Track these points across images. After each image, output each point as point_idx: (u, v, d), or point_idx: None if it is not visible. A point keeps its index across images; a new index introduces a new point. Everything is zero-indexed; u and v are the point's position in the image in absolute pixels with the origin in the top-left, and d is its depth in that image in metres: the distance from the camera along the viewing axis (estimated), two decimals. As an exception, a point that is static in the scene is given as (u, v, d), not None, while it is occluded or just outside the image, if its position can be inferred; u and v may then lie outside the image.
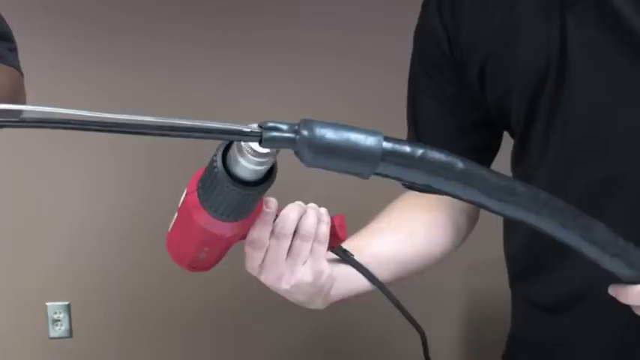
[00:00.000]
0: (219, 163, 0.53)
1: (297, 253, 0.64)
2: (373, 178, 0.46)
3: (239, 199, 0.55)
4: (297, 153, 0.46)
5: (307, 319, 1.75)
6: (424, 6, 0.81)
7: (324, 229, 0.65)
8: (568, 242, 0.53)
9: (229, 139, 0.51)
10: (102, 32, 1.62)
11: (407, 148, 0.47)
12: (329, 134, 0.45)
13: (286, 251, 0.64)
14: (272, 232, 0.63)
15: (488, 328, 1.57)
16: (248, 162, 0.51)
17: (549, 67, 0.70)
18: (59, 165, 1.67)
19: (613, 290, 0.58)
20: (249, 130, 0.45)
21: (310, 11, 1.65)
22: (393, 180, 0.81)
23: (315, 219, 0.64)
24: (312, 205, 0.66)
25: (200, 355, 1.74)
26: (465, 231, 0.86)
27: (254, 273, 0.66)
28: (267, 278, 0.65)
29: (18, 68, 1.05)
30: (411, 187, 0.85)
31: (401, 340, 1.70)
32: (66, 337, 1.72)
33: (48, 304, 1.71)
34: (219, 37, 1.64)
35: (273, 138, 0.45)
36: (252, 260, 0.64)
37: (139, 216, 1.70)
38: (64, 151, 1.64)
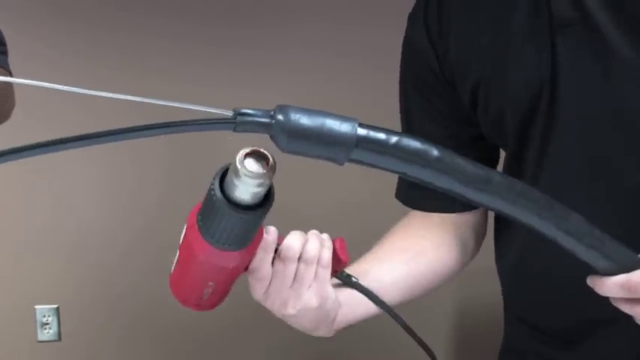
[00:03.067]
0: (217, 190, 0.53)
1: (301, 278, 0.64)
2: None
3: (240, 225, 0.55)
4: (272, 138, 0.46)
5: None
6: (410, 18, 0.80)
7: (327, 254, 0.65)
8: (544, 232, 0.53)
9: (203, 129, 0.51)
10: (96, 30, 1.63)
11: (381, 135, 0.47)
12: (304, 119, 0.45)
13: (292, 277, 0.64)
14: (277, 257, 0.63)
15: (480, 337, 1.57)
16: (246, 185, 0.52)
17: (541, 91, 0.69)
18: (48, 170, 1.67)
19: (590, 281, 0.58)
20: (223, 117, 0.45)
21: (303, 10, 1.66)
22: (396, 202, 0.81)
23: (318, 244, 0.65)
24: (313, 231, 0.66)
25: (190, 357, 1.74)
26: (473, 247, 0.85)
27: (259, 300, 0.66)
28: (273, 304, 0.66)
29: (7, 69, 1.08)
30: (402, 198, 0.85)
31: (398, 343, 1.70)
32: (55, 341, 1.72)
33: (37, 307, 1.71)
34: (210, 35, 1.65)
35: (248, 122, 0.45)
36: (256, 290, 0.65)
37: (128, 219, 1.70)
38: (51, 156, 1.63)
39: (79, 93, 0.45)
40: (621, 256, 0.56)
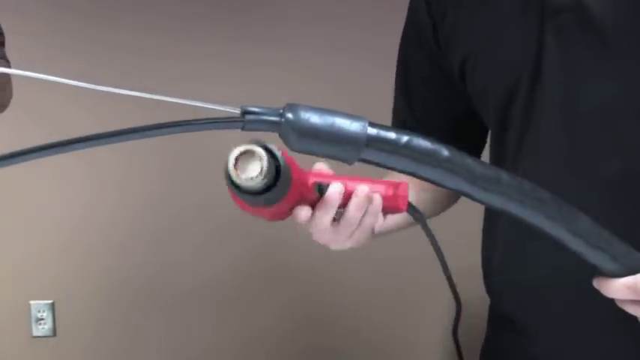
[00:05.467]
0: (228, 173, 0.50)
1: (339, 232, 0.62)
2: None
3: (254, 202, 0.52)
4: (281, 136, 0.45)
5: (288, 316, 1.74)
6: None
7: (370, 221, 0.61)
8: (552, 234, 0.52)
9: (211, 128, 0.50)
10: (97, 26, 1.62)
11: (392, 135, 0.46)
12: (314, 118, 0.45)
13: (328, 225, 0.60)
14: (319, 203, 0.59)
15: (475, 332, 1.56)
16: (243, 182, 0.50)
17: (522, 74, 0.70)
18: (41, 166, 1.65)
19: (597, 283, 0.57)
20: (230, 116, 0.45)
21: (301, 8, 1.66)
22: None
23: (360, 211, 0.60)
24: (362, 191, 0.60)
25: (184, 353, 1.73)
26: (445, 203, 0.86)
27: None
28: (316, 238, 0.64)
29: (6, 59, 1.07)
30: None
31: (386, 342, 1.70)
32: (50, 336, 1.71)
33: (31, 302, 1.70)
34: (208, 32, 1.64)
35: (257, 121, 0.44)
36: (299, 225, 0.61)
37: (124, 214, 1.69)
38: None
39: (80, 87, 0.44)
40: (629, 258, 0.55)
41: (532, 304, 0.78)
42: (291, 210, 0.58)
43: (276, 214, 0.57)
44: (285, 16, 1.66)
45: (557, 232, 0.52)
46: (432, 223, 0.68)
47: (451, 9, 0.76)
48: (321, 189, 0.58)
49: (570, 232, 0.53)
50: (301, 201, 0.58)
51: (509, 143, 0.75)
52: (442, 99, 0.82)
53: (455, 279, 0.71)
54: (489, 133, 0.81)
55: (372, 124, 0.46)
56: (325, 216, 0.59)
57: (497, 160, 0.78)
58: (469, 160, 0.49)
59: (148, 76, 1.62)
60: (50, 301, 1.70)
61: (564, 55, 0.68)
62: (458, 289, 0.73)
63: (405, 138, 0.47)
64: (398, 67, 0.86)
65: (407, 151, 0.47)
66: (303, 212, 0.58)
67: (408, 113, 0.86)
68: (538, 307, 0.77)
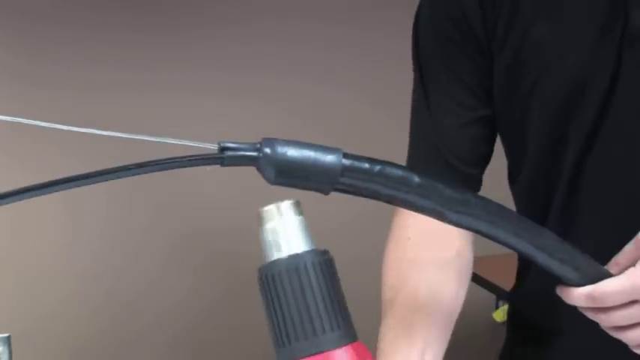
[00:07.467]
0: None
1: None
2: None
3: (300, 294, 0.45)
4: (259, 170, 0.46)
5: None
6: None
7: None
8: (520, 249, 0.55)
9: (191, 166, 0.50)
10: (52, 48, 1.59)
11: (365, 164, 0.48)
12: (290, 152, 0.46)
13: None
14: None
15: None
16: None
17: (593, 95, 0.69)
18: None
19: (559, 291, 0.61)
20: (209, 153, 0.45)
21: (275, 30, 1.67)
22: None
23: None
24: None
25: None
26: (472, 260, 0.84)
27: None
28: None
29: None
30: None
31: None
32: (6, 372, 1.66)
33: (-14, 337, 1.64)
34: (170, 55, 1.63)
35: (235, 157, 0.45)
36: None
37: (82, 246, 1.66)
38: (8, 184, 1.59)
39: (62, 130, 0.44)
40: (589, 268, 0.59)
41: (557, 310, 0.79)
42: None
43: None
44: (254, 41, 1.67)
45: (525, 248, 0.55)
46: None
47: (505, 11, 0.72)
48: None
49: (535, 247, 0.55)
50: None
51: (567, 158, 0.74)
52: (468, 97, 0.79)
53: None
54: (530, 145, 0.77)
55: (346, 155, 0.48)
56: None
57: (548, 169, 0.77)
58: (439, 185, 0.51)
59: (119, 114, 1.61)
60: (6, 335, 1.65)
61: None
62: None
63: (377, 167, 0.48)
64: (415, 68, 0.82)
65: (380, 178, 0.48)
66: None
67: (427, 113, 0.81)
68: (562, 313, 0.78)
